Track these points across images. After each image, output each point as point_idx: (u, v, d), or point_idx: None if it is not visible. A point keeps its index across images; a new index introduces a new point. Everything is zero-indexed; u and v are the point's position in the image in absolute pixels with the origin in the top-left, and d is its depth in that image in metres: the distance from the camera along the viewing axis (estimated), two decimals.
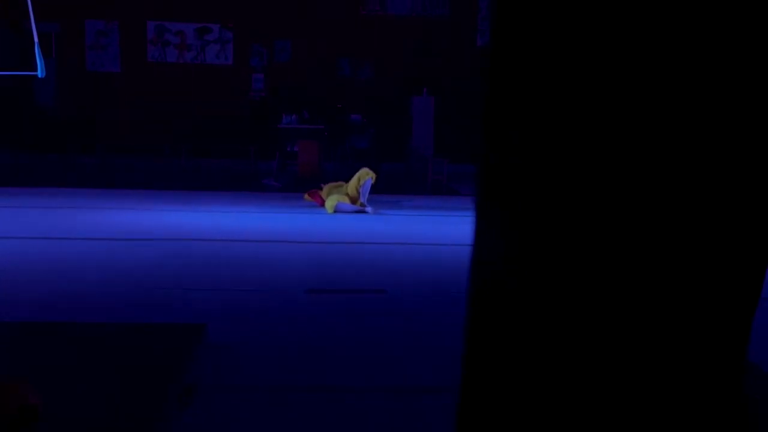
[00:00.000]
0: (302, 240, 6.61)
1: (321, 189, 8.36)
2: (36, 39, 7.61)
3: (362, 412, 2.92)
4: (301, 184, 9.49)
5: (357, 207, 8.13)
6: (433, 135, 12.44)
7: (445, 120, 12.64)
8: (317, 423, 2.85)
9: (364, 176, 8.21)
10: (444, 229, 7.25)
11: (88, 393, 2.99)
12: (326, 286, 4.94)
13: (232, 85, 12.51)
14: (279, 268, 5.62)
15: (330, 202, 8.03)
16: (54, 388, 2.96)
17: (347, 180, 8.42)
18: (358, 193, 8.18)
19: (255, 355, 3.79)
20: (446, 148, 12.21)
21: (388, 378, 3.29)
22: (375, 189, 8.53)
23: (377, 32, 12.86)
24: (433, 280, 5.02)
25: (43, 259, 5.66)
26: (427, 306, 4.44)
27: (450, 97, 12.88)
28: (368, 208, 8.15)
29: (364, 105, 12.79)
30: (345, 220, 7.69)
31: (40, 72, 7.40)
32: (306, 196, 8.41)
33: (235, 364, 3.64)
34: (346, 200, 8.11)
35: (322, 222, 7.56)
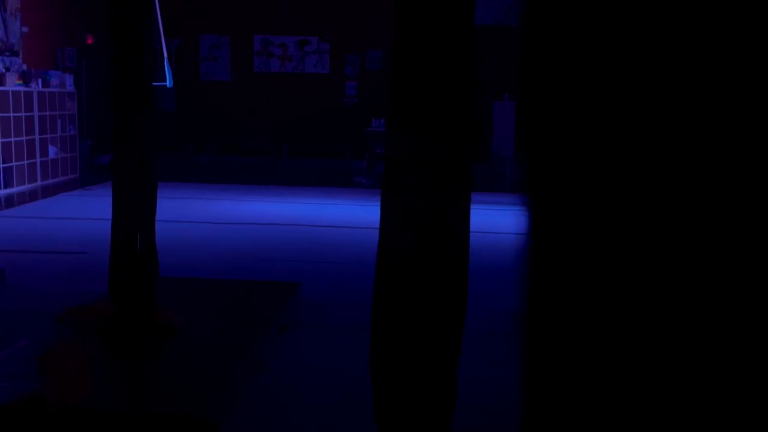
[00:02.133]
0: None
1: None
2: (165, 54, 8.91)
3: None
4: None
5: None
6: (514, 138, 13.22)
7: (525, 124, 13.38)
8: None
9: None
10: (512, 221, 8.11)
11: (211, 322, 4.10)
12: None
13: (327, 91, 13.71)
14: (365, 248, 6.67)
15: None
16: (190, 318, 4.09)
17: None
18: None
19: (340, 305, 4.84)
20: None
21: None
22: None
23: None
24: (491, 263, 5.92)
25: (181, 236, 6.94)
26: (484, 280, 5.36)
27: (530, 102, 13.61)
28: None
29: None
30: None
31: (168, 82, 8.68)
32: None
33: (323, 311, 4.70)
34: None
35: None
